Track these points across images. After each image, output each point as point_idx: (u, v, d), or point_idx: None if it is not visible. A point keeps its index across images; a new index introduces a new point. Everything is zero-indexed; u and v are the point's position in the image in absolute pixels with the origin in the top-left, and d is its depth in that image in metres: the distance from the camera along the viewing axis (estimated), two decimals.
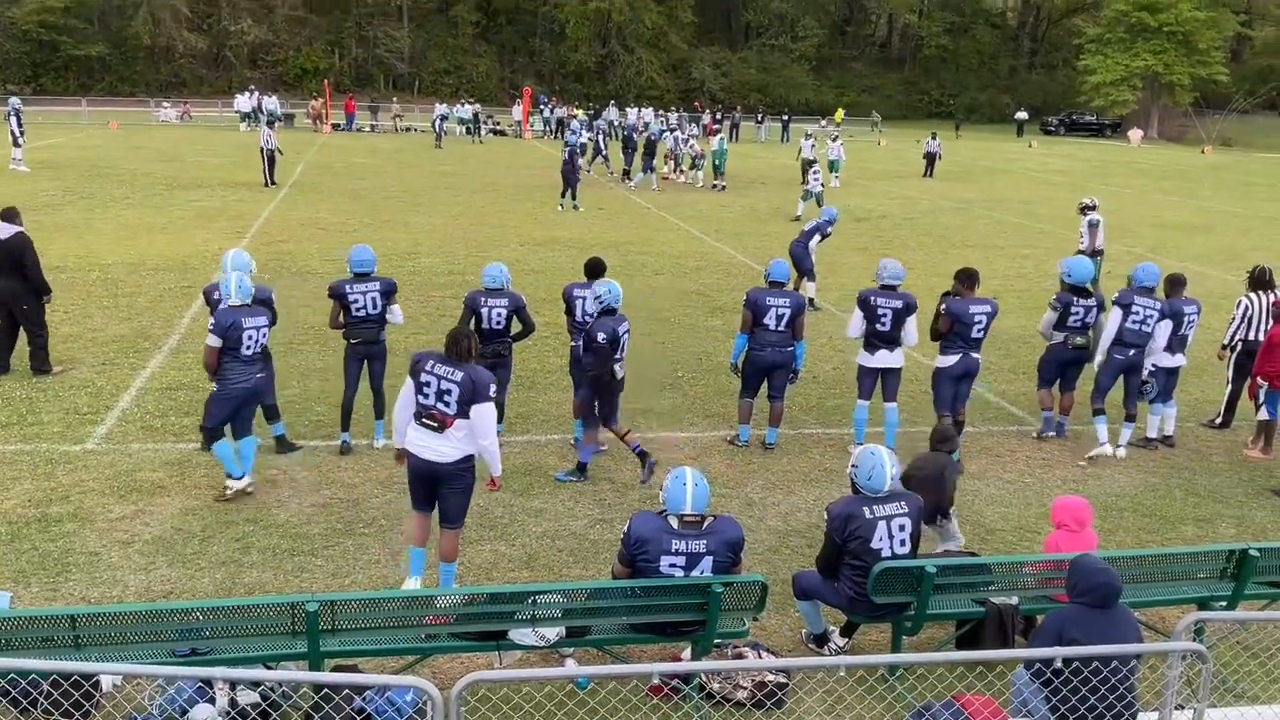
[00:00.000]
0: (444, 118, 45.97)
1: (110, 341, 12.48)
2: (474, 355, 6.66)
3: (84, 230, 19.76)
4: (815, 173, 24.81)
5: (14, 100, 30.47)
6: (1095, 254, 15.49)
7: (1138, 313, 9.77)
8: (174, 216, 21.89)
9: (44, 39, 62.62)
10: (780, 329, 9.60)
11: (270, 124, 31.71)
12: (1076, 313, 9.99)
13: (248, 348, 8.13)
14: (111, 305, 14.23)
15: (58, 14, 61.96)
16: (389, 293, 9.35)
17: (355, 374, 9.39)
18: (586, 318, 9.40)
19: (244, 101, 50.72)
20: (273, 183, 27.51)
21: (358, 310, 9.22)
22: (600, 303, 8.78)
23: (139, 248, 18.14)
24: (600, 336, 8.60)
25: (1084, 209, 16.08)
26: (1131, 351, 9.85)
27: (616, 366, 8.79)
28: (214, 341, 8.05)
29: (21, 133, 29.00)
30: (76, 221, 20.75)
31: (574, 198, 25.71)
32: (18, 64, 63.52)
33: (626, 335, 8.89)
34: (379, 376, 9.46)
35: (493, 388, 6.58)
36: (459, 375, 6.52)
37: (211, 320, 8.13)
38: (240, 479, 8.31)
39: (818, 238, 15.60)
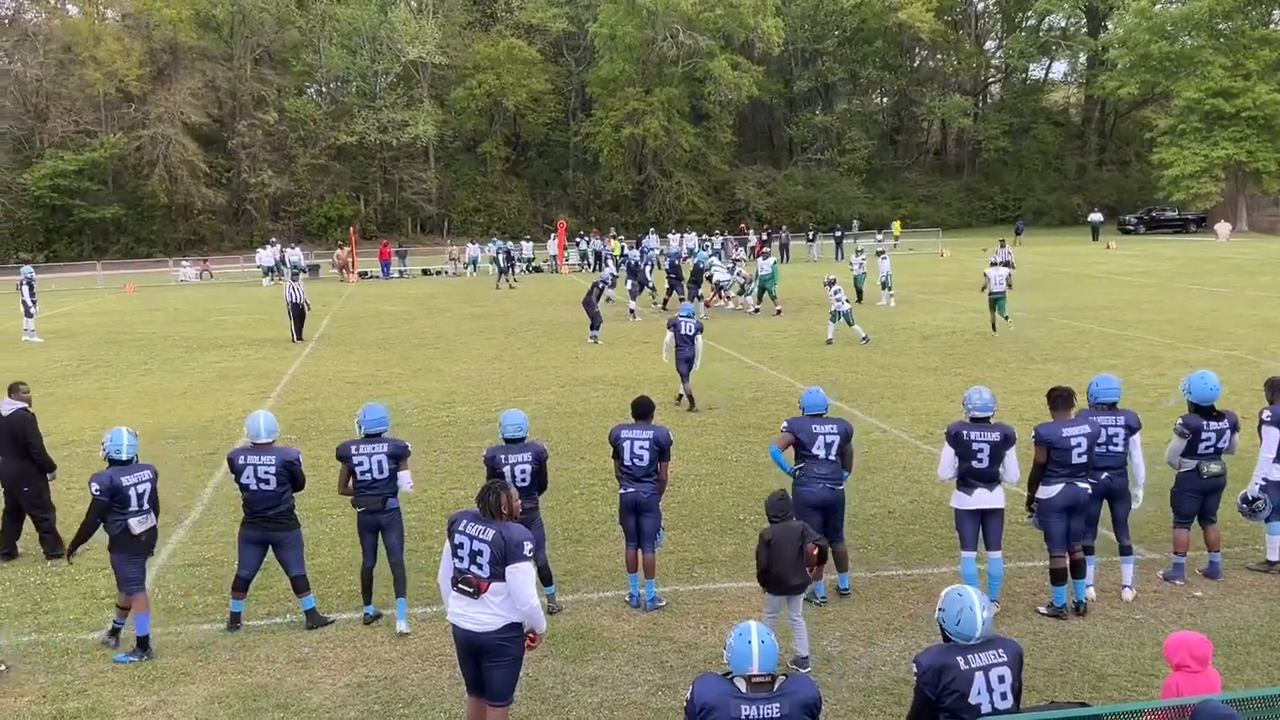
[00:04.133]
0: (502, 250, 46.40)
1: None
2: (510, 511, 6.65)
3: (100, 401, 20.29)
4: (836, 292, 25.11)
5: (26, 269, 31.68)
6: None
7: (1099, 434, 9.36)
8: (195, 380, 22.45)
9: (56, 204, 65.23)
10: (831, 458, 9.51)
11: (295, 276, 32.65)
12: (1208, 437, 9.63)
13: None
14: None
15: (70, 177, 64.61)
16: (398, 456, 9.22)
17: (370, 545, 9.29)
18: (635, 460, 9.42)
19: (266, 255, 52.23)
20: (300, 338, 28.21)
21: (363, 474, 9.13)
22: (105, 453, 8.81)
23: (158, 415, 18.55)
24: (94, 488, 8.61)
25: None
26: (1105, 475, 9.41)
27: (133, 522, 8.75)
28: None
29: (34, 302, 30.10)
30: (92, 392, 21.34)
31: (595, 329, 26.71)
32: (30, 231, 66.24)
33: (148, 485, 8.87)
34: (396, 549, 9.28)
35: (528, 546, 6.54)
36: (490, 534, 6.53)
37: None
38: None
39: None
